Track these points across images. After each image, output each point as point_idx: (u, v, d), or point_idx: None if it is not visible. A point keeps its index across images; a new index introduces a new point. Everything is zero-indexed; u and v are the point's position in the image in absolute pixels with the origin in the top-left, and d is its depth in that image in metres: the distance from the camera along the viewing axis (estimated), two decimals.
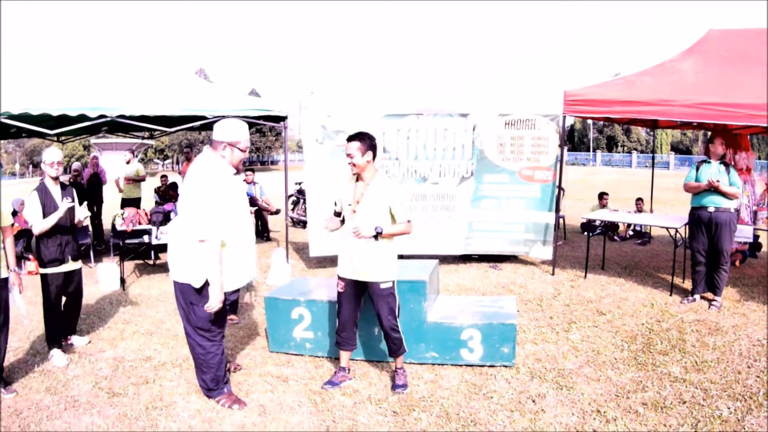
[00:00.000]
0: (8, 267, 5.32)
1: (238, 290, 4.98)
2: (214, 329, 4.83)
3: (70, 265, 6.33)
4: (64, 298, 6.45)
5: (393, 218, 5.01)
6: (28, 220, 6.12)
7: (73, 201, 6.37)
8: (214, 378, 4.90)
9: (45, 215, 6.11)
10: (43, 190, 6.21)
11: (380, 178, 5.08)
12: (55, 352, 6.04)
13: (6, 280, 5.27)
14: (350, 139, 5.00)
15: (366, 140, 4.97)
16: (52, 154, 6.26)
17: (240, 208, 4.79)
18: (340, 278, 5.17)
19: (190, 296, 4.73)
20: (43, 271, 6.18)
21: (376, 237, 4.93)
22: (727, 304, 7.64)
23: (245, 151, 4.78)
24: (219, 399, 4.90)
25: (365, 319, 5.55)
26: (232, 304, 5.40)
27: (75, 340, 6.55)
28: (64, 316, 6.47)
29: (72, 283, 6.43)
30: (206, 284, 4.61)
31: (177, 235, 4.81)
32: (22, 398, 5.09)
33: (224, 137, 4.65)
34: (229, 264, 4.65)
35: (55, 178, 6.32)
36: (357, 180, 5.11)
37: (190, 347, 4.96)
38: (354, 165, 4.99)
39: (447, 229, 9.84)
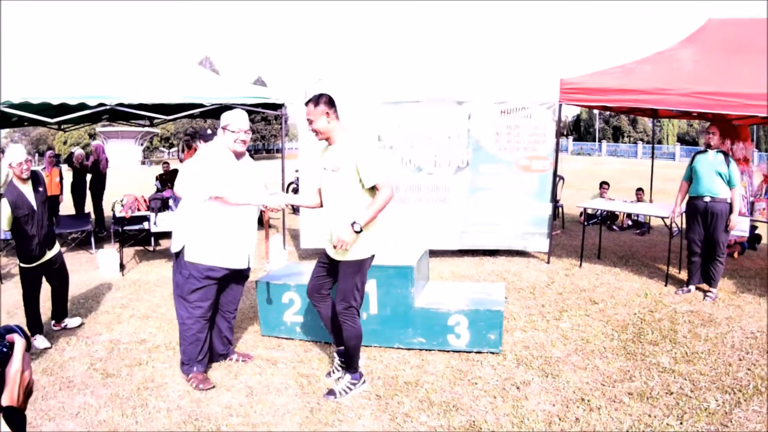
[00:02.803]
0: None
1: (228, 270, 5.03)
2: (191, 301, 5.02)
3: (47, 255, 6.34)
4: (48, 286, 6.55)
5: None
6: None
7: (44, 194, 6.33)
8: (185, 351, 5.11)
9: (18, 216, 5.99)
10: (13, 192, 6.05)
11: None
12: (38, 337, 6.17)
13: None
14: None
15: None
16: (18, 154, 6.07)
17: (238, 187, 4.97)
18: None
19: (174, 263, 5.18)
20: (23, 265, 6.21)
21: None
22: (723, 295, 7.60)
23: (236, 132, 4.94)
24: (189, 377, 5.08)
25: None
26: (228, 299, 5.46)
27: (69, 321, 6.67)
28: (53, 302, 6.61)
29: (53, 268, 6.48)
30: (182, 251, 4.98)
31: (178, 213, 5.23)
32: None
33: (221, 123, 5.02)
34: (211, 238, 4.94)
35: (25, 179, 6.11)
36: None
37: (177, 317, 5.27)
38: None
39: (442, 222, 9.66)
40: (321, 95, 4.57)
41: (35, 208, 6.11)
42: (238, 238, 5.06)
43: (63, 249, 11.15)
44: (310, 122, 4.57)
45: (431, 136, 9.48)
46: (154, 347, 5.95)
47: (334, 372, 5.18)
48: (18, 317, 6.88)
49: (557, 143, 9.51)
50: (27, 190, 6.10)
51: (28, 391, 1.33)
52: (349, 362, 4.88)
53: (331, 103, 4.56)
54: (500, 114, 9.46)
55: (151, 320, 6.84)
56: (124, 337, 6.27)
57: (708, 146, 7.68)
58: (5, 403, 1.27)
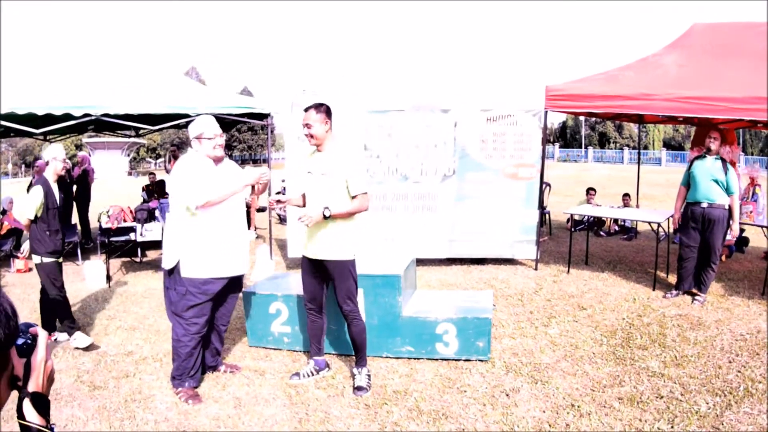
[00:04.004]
0: None
1: (224, 279, 5.00)
2: (187, 317, 4.93)
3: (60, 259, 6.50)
4: (35, 294, 6.62)
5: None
6: (20, 213, 6.20)
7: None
8: (179, 368, 5.02)
9: (49, 208, 6.24)
10: (46, 185, 6.30)
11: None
12: (77, 335, 6.29)
13: None
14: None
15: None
16: (61, 150, 6.41)
17: (220, 185, 4.95)
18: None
19: (166, 280, 5.05)
20: (47, 260, 6.30)
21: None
22: (711, 298, 7.60)
23: (213, 138, 4.94)
24: (178, 391, 5.00)
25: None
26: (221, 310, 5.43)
27: (58, 335, 6.61)
28: (49, 312, 6.62)
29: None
30: (176, 267, 4.90)
31: (168, 228, 5.15)
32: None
33: (192, 134, 4.99)
34: (205, 250, 4.88)
35: (60, 176, 6.44)
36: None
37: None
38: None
39: (429, 230, 9.62)
40: (322, 104, 4.82)
41: (60, 206, 6.42)
42: (232, 244, 5.03)
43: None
44: (308, 126, 4.77)
45: (417, 144, 9.47)
46: (141, 359, 5.90)
47: (305, 376, 5.30)
48: None
49: (543, 150, 9.52)
50: (55, 188, 6.39)
51: (50, 379, 1.47)
52: (363, 357, 5.15)
53: (329, 113, 4.82)
54: (486, 122, 9.46)
55: (138, 332, 6.78)
56: (111, 349, 6.21)
57: (708, 151, 7.63)
58: (32, 389, 1.40)
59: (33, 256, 6.34)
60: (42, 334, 1.45)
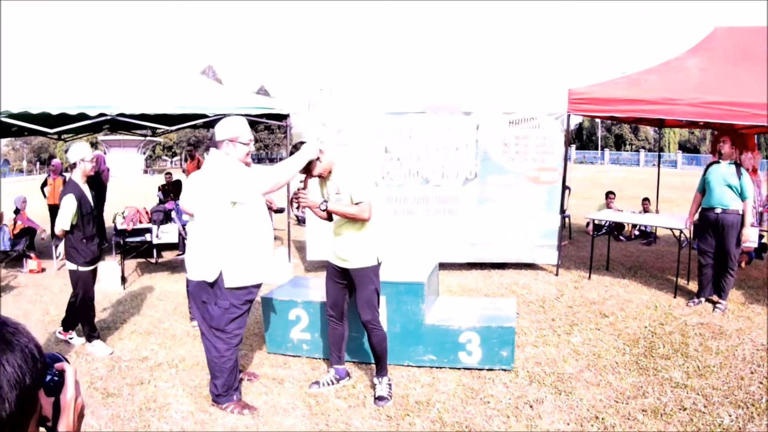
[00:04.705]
0: None
1: (259, 286, 4.85)
2: (230, 331, 4.71)
3: (99, 260, 6.50)
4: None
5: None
6: (59, 222, 6.09)
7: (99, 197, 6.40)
8: (225, 383, 4.78)
9: (84, 214, 6.14)
10: (78, 190, 6.17)
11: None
12: (96, 343, 6.24)
13: None
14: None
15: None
16: (88, 150, 6.24)
17: (255, 203, 4.78)
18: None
19: (203, 294, 4.70)
20: (83, 269, 6.19)
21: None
22: (732, 306, 7.52)
23: (248, 144, 4.77)
24: (227, 405, 4.78)
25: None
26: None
27: (75, 337, 6.56)
28: (68, 311, 6.56)
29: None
30: (218, 280, 4.59)
31: (194, 237, 4.86)
32: None
33: (224, 135, 4.70)
34: (247, 257, 4.66)
35: (88, 177, 6.29)
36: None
37: (205, 349, 4.88)
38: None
39: (450, 234, 9.51)
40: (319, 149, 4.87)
41: (93, 209, 6.30)
42: (268, 247, 4.89)
43: (62, 260, 11.13)
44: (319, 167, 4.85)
45: (438, 147, 9.37)
46: (156, 365, 5.80)
47: (324, 385, 5.21)
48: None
49: (566, 154, 9.39)
50: (86, 190, 6.23)
51: (81, 416, 1.38)
52: (383, 366, 5.06)
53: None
54: (508, 124, 9.33)
55: (152, 336, 6.69)
56: (125, 354, 6.12)
57: (719, 155, 7.63)
58: (63, 429, 1.30)
59: (68, 262, 6.24)
60: (69, 370, 1.35)
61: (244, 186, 4.58)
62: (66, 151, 6.78)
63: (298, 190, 4.79)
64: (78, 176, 6.18)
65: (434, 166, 9.40)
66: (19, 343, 1.16)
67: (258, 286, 4.82)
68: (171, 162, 72.27)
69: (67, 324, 6.55)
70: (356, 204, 4.74)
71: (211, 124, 10.01)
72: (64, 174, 12.80)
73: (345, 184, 4.80)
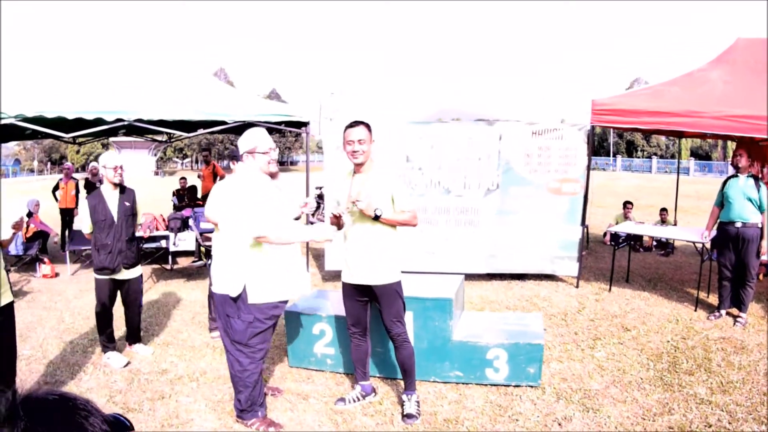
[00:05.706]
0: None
1: (285, 302, 4.78)
2: (253, 345, 4.61)
3: (122, 274, 6.23)
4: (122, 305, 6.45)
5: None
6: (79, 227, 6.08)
7: (132, 206, 6.32)
8: (249, 398, 4.68)
9: (94, 221, 6.08)
10: (96, 197, 6.16)
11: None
12: (111, 355, 6.15)
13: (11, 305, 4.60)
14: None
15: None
16: (114, 158, 6.20)
17: (282, 213, 4.72)
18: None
19: (227, 308, 4.61)
20: (97, 277, 6.17)
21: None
22: (752, 320, 7.47)
23: (268, 153, 4.71)
24: (252, 422, 4.69)
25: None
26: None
27: (137, 348, 6.50)
28: (126, 323, 6.51)
29: (124, 290, 6.36)
30: (242, 294, 4.51)
31: (218, 248, 4.82)
32: None
33: (243, 149, 4.69)
34: (272, 272, 4.60)
35: (116, 184, 6.22)
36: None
37: (228, 363, 4.79)
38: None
39: (470, 245, 9.44)
40: (366, 122, 4.67)
41: (115, 219, 6.14)
42: (294, 264, 4.84)
43: (77, 265, 11.07)
44: (360, 142, 4.62)
45: (460, 157, 9.30)
46: (176, 378, 5.71)
47: (350, 401, 5.14)
48: (31, 340, 6.77)
49: (589, 166, 9.28)
50: (113, 198, 6.19)
51: None
52: (412, 382, 4.96)
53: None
54: (531, 135, 9.27)
55: (171, 347, 6.61)
56: (144, 367, 6.03)
57: (737, 168, 7.62)
58: None
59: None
60: None
61: (241, 224, 4.52)
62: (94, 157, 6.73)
63: (359, 201, 4.60)
64: (105, 183, 6.21)
65: (456, 176, 9.33)
66: (93, 428, 1.09)
67: (285, 302, 4.75)
68: (182, 164, 72.37)
69: (129, 336, 6.55)
70: (404, 212, 4.68)
71: (225, 129, 9.95)
72: (75, 177, 12.81)
73: (381, 194, 4.62)
